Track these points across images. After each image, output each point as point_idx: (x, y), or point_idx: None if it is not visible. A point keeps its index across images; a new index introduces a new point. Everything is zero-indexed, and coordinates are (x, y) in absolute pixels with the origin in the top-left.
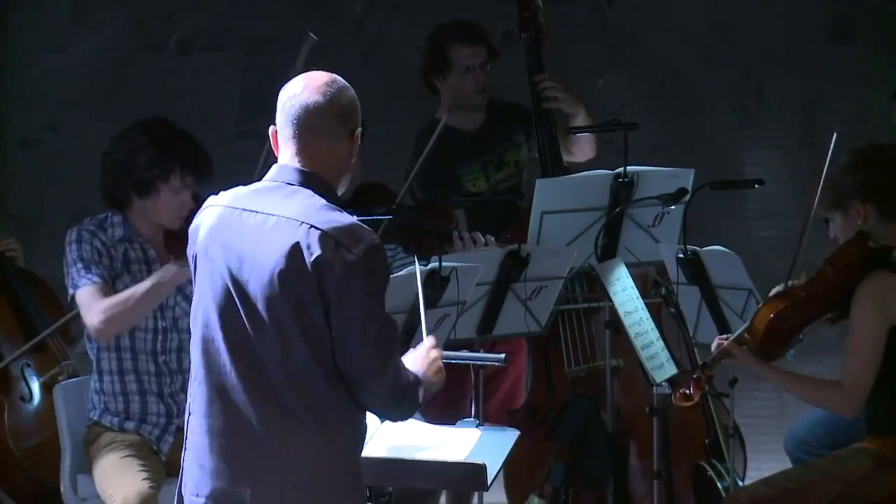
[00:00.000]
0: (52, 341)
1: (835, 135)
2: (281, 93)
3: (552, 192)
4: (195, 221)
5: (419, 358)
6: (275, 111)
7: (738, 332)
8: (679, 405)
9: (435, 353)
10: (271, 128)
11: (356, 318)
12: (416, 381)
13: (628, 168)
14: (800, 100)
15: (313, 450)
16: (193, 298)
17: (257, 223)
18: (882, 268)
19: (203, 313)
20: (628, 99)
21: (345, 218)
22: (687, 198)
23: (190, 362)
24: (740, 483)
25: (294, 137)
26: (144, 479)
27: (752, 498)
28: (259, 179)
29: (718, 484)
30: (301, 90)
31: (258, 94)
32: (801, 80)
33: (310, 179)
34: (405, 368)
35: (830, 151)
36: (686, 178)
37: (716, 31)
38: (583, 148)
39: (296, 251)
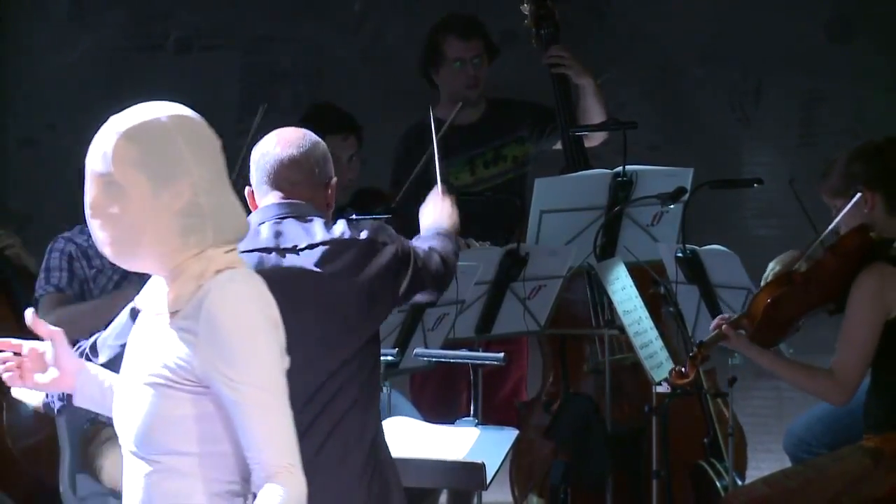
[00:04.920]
0: None
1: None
2: (253, 152)
3: (551, 191)
4: None
5: (434, 209)
6: (273, 109)
7: (737, 315)
8: (675, 383)
9: (446, 199)
10: (247, 189)
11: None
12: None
13: (627, 167)
14: (798, 99)
15: None
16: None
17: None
18: (881, 260)
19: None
20: (627, 98)
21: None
22: (686, 197)
23: None
24: (739, 482)
25: (273, 191)
26: None
27: (751, 497)
28: (239, 177)
29: (717, 483)
30: (274, 146)
31: (257, 94)
32: (799, 78)
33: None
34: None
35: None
36: (685, 177)
37: (714, 30)
38: (591, 117)
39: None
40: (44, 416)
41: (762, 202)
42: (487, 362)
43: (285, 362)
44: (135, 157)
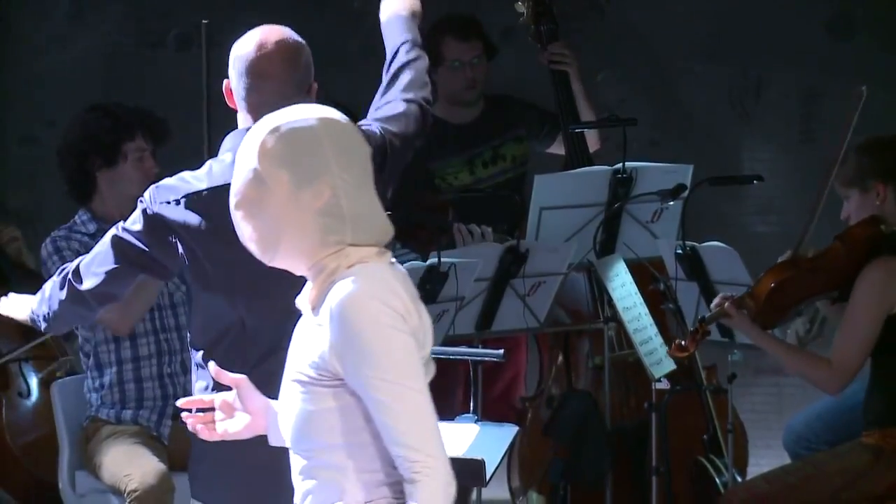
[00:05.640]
0: (51, 337)
1: (863, 94)
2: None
3: (551, 188)
4: None
5: None
6: None
7: (741, 294)
8: (674, 356)
9: None
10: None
11: None
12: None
13: (627, 164)
14: (799, 95)
15: None
16: None
17: None
18: (889, 253)
19: None
20: (627, 94)
21: None
22: (685, 193)
23: (190, 341)
24: (739, 479)
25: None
26: (159, 461)
27: (751, 493)
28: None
29: (717, 480)
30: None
31: None
32: (800, 75)
33: None
34: None
35: (857, 113)
36: (684, 173)
37: (714, 26)
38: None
39: None
40: (43, 413)
41: (762, 199)
42: (487, 359)
43: (423, 351)
44: (280, 155)
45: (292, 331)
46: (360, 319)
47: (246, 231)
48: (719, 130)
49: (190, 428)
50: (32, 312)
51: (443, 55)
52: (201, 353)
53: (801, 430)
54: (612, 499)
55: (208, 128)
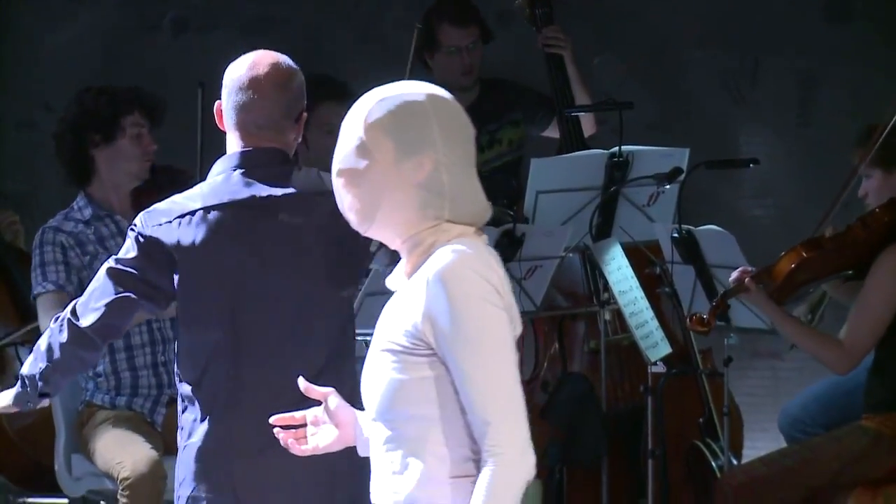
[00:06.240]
0: None
1: None
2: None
3: (547, 171)
4: None
5: None
6: None
7: (760, 270)
8: (694, 329)
9: None
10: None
11: None
12: None
13: (623, 147)
14: (795, 79)
15: None
16: None
17: None
18: None
19: None
20: (623, 78)
21: None
22: (682, 177)
23: (177, 373)
24: (735, 462)
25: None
26: (150, 447)
27: (748, 477)
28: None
29: (713, 463)
30: None
31: None
32: (796, 59)
33: None
34: None
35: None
36: (681, 157)
37: (711, 10)
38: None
39: None
40: None
41: (758, 182)
42: None
43: (515, 330)
44: (386, 124)
45: (286, 359)
46: (455, 289)
47: (345, 200)
48: (716, 114)
49: (283, 444)
50: (21, 383)
51: (439, 41)
52: (189, 387)
53: (796, 414)
54: (608, 482)
55: (200, 170)
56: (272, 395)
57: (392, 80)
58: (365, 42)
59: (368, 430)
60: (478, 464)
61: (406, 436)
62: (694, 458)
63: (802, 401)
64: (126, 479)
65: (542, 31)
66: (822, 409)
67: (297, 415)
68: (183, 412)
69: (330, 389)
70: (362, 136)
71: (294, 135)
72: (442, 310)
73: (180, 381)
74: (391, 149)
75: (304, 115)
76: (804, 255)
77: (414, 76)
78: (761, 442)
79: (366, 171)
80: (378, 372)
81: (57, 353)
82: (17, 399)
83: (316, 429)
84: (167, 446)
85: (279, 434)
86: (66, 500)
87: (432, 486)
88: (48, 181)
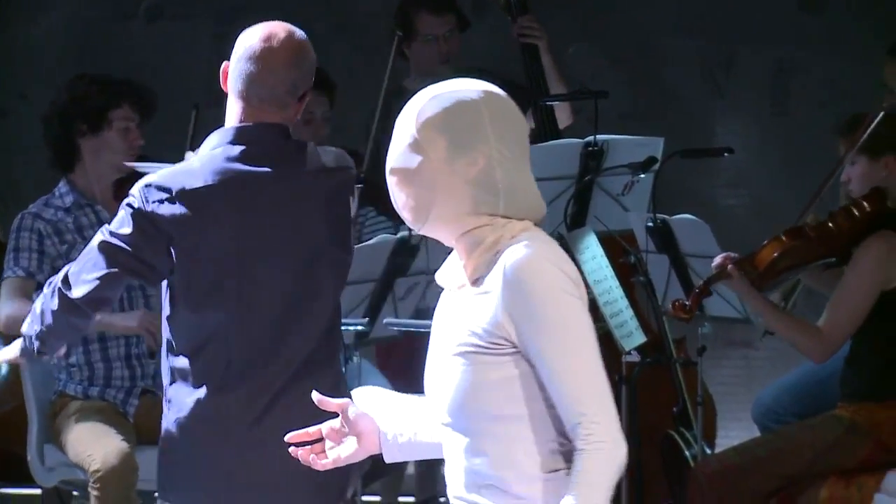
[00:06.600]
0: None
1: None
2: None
3: None
4: None
5: None
6: None
7: (742, 257)
8: (677, 316)
9: None
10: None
11: None
12: None
13: (598, 136)
14: (770, 68)
15: None
16: None
17: None
18: (893, 228)
19: None
20: (598, 67)
21: None
22: (656, 166)
23: (168, 346)
24: (708, 451)
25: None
26: (122, 439)
27: (722, 465)
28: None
29: (686, 452)
30: None
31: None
32: (772, 48)
33: None
34: None
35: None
36: (656, 146)
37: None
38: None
39: None
40: (13, 387)
41: (733, 172)
42: None
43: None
44: (438, 121)
45: (282, 336)
46: (536, 283)
47: (400, 198)
48: (691, 104)
49: (302, 461)
50: (23, 340)
51: (416, 29)
52: (186, 359)
53: (769, 403)
54: None
55: None
56: (268, 371)
57: (369, 69)
58: (343, 30)
59: (437, 434)
60: (566, 456)
61: (490, 439)
62: (668, 448)
63: (775, 390)
64: (97, 471)
65: (517, 21)
66: (795, 399)
67: (312, 430)
68: (171, 384)
69: (346, 401)
70: (415, 133)
71: (295, 111)
72: (524, 305)
73: (175, 354)
74: (444, 146)
75: (308, 94)
76: (787, 242)
77: (393, 72)
78: (735, 431)
79: (419, 168)
80: (453, 376)
81: (49, 319)
82: (23, 352)
83: (334, 442)
84: (140, 437)
85: (295, 453)
86: (38, 491)
87: (525, 483)
88: (24, 170)
